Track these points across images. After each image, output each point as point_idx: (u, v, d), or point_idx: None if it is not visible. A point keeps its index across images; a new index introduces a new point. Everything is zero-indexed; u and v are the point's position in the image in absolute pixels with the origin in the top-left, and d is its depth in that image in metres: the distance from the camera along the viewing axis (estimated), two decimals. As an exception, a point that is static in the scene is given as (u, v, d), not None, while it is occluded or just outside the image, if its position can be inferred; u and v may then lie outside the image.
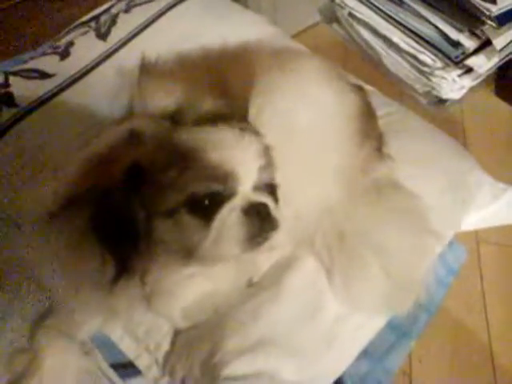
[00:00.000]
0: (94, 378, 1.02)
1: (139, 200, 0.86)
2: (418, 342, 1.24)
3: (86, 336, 1.03)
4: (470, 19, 2.09)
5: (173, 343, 1.03)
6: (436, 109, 2.25)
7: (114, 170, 0.87)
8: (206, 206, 0.85)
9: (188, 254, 0.88)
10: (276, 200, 0.94)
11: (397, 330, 1.18)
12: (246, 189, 0.88)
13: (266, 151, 0.93)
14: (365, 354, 1.09)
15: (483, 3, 2.01)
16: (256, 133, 0.96)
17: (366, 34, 2.41)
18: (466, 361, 1.50)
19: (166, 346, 1.03)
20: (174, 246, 0.88)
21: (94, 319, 1.02)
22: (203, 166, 0.85)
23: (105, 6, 1.84)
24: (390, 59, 2.35)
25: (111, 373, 1.03)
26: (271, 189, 0.94)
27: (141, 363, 1.04)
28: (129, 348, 1.05)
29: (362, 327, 1.08)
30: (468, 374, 1.47)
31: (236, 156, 0.88)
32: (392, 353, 1.17)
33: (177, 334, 1.04)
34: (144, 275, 0.90)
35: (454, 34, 2.11)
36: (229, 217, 0.86)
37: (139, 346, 1.04)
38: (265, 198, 0.89)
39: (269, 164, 0.93)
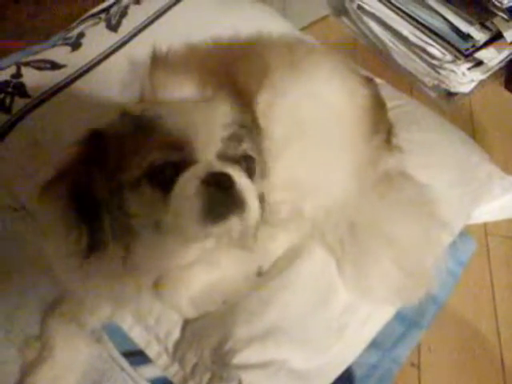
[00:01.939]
0: (104, 366, 1.04)
1: (106, 171, 0.85)
2: (426, 334, 1.25)
3: (97, 324, 1.05)
4: (481, 11, 2.08)
5: (183, 332, 1.04)
6: (445, 102, 2.25)
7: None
8: (166, 177, 0.81)
9: (156, 227, 0.83)
10: (251, 174, 0.88)
11: (406, 321, 1.19)
12: (207, 158, 0.82)
13: (240, 121, 0.88)
14: (374, 344, 1.10)
15: (495, -5, 1.99)
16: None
17: (375, 27, 2.40)
18: (475, 352, 1.50)
19: (175, 335, 1.04)
20: (143, 219, 0.85)
21: (102, 306, 1.03)
22: (160, 134, 0.82)
23: (114, -1, 1.85)
24: (400, 52, 2.34)
25: (122, 361, 1.05)
26: (247, 162, 0.88)
27: (151, 351, 1.05)
28: (139, 336, 1.05)
29: (371, 317, 1.09)
30: (477, 365, 1.47)
31: (196, 122, 0.83)
32: (401, 343, 1.17)
33: (187, 322, 1.05)
34: (128, 248, 0.88)
35: (464, 27, 2.10)
36: (187, 186, 0.79)
37: (149, 335, 1.05)
38: (229, 169, 0.82)
39: (241, 134, 0.87)
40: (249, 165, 0.89)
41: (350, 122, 1.09)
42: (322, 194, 1.06)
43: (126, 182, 0.83)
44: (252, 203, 0.83)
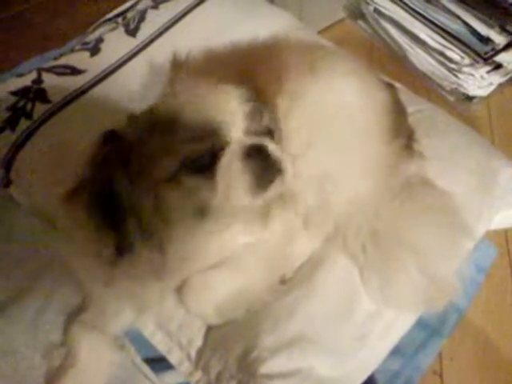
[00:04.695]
0: (128, 372, 1.04)
1: (131, 172, 0.86)
2: (448, 342, 1.24)
3: (120, 330, 1.05)
4: (501, 15, 2.07)
5: (206, 339, 1.04)
6: (463, 106, 2.22)
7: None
8: (204, 162, 0.85)
9: (201, 213, 0.87)
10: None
11: (427, 329, 1.19)
12: (237, 135, 0.87)
13: (252, 97, 0.92)
14: (396, 351, 1.10)
15: (515, -2, 1.98)
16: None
17: (392, 31, 2.39)
18: (498, 360, 1.48)
19: (198, 342, 1.04)
20: (185, 209, 0.87)
21: (124, 312, 1.03)
22: (187, 125, 0.84)
23: (130, 3, 1.86)
24: (417, 56, 2.32)
25: (145, 367, 1.05)
26: (268, 133, 0.93)
27: (173, 358, 1.05)
28: (161, 342, 1.06)
29: (394, 325, 1.08)
30: (500, 374, 1.46)
31: (217, 106, 0.87)
32: (423, 351, 1.17)
33: (209, 329, 1.05)
34: (163, 244, 0.89)
35: (483, 30, 2.09)
36: (230, 164, 0.85)
37: (171, 341, 1.05)
38: (260, 140, 0.89)
39: (258, 109, 0.91)
40: (271, 137, 0.94)
41: (368, 124, 1.09)
42: (346, 187, 1.06)
43: (159, 180, 0.85)
44: (287, 166, 0.90)
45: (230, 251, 1.00)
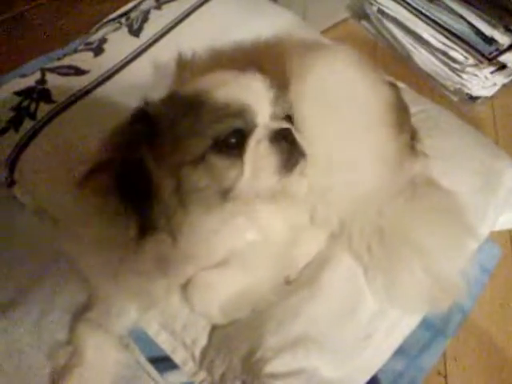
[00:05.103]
0: (132, 372, 1.04)
1: (156, 153, 0.86)
2: (452, 343, 1.23)
3: (124, 329, 1.05)
4: (505, 15, 2.06)
5: (210, 338, 1.04)
6: (467, 106, 2.22)
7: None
8: (233, 144, 0.87)
9: (224, 195, 0.89)
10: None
11: (431, 329, 1.18)
12: (264, 119, 0.90)
13: (274, 84, 0.93)
14: (400, 351, 1.10)
15: (520, -3, 1.97)
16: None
17: (395, 31, 2.38)
18: (502, 361, 1.48)
19: (203, 341, 1.04)
20: (208, 190, 0.88)
21: (129, 310, 1.03)
22: (216, 107, 0.86)
23: (133, 3, 1.87)
24: (420, 56, 2.31)
25: (149, 366, 1.05)
26: (289, 119, 0.96)
27: (177, 357, 1.05)
28: (165, 342, 1.06)
29: (398, 325, 1.08)
30: (505, 375, 1.45)
31: (245, 90, 0.89)
32: (426, 351, 1.17)
33: (214, 329, 1.04)
34: (176, 229, 0.89)
35: (488, 30, 2.08)
36: (258, 147, 0.88)
37: (176, 340, 1.05)
38: (286, 124, 0.92)
39: (280, 95, 0.93)
40: (291, 122, 0.96)
41: (372, 118, 1.09)
42: (335, 186, 1.06)
43: (186, 161, 0.86)
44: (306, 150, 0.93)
45: (236, 248, 1.00)
